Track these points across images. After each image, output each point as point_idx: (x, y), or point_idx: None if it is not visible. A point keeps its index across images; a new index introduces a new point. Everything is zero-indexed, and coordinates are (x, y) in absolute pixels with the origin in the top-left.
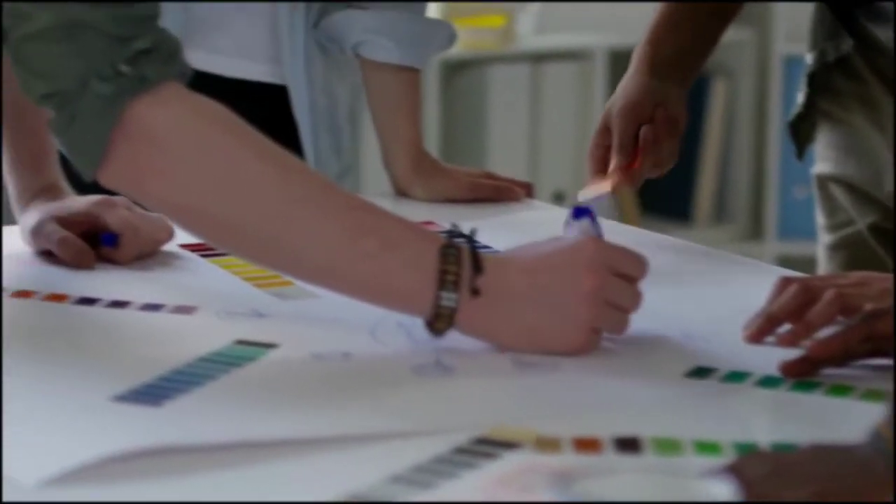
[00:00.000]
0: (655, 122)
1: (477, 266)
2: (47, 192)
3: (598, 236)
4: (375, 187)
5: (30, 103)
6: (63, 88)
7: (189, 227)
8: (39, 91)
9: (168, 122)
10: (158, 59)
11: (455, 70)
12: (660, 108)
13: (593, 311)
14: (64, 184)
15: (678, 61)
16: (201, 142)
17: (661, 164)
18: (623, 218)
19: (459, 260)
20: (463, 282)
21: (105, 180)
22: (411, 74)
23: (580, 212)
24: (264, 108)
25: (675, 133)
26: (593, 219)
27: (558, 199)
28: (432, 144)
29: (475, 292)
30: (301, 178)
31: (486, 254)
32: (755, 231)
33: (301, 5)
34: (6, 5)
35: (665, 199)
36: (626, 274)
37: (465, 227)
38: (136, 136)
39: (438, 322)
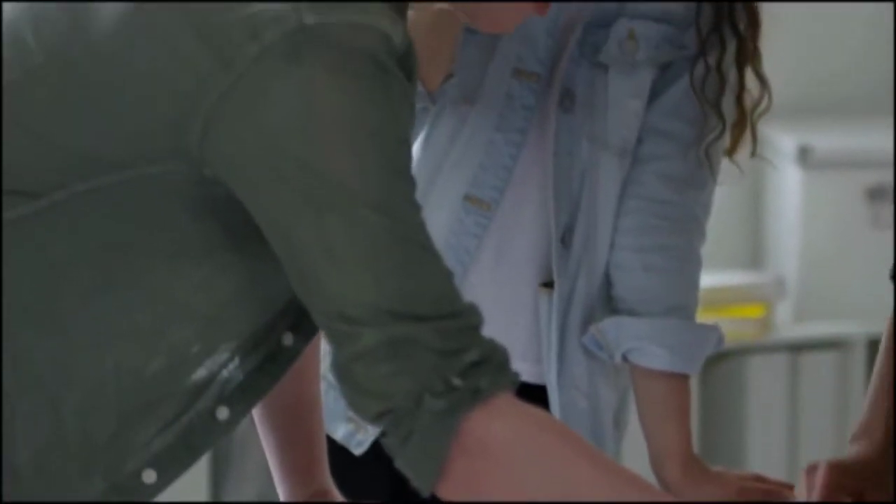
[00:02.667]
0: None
1: None
2: (318, 497)
3: None
4: None
5: (304, 410)
6: (396, 406)
7: None
8: (373, 410)
9: (505, 434)
10: (490, 371)
11: (714, 361)
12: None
13: None
14: (333, 489)
15: None
16: (538, 452)
17: None
18: None
19: None
20: None
21: (442, 493)
22: (682, 380)
23: None
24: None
25: None
26: None
27: None
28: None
29: None
30: (630, 481)
31: None
32: None
33: (563, 308)
34: (330, 327)
35: None
36: None
37: None
38: (473, 450)
39: None
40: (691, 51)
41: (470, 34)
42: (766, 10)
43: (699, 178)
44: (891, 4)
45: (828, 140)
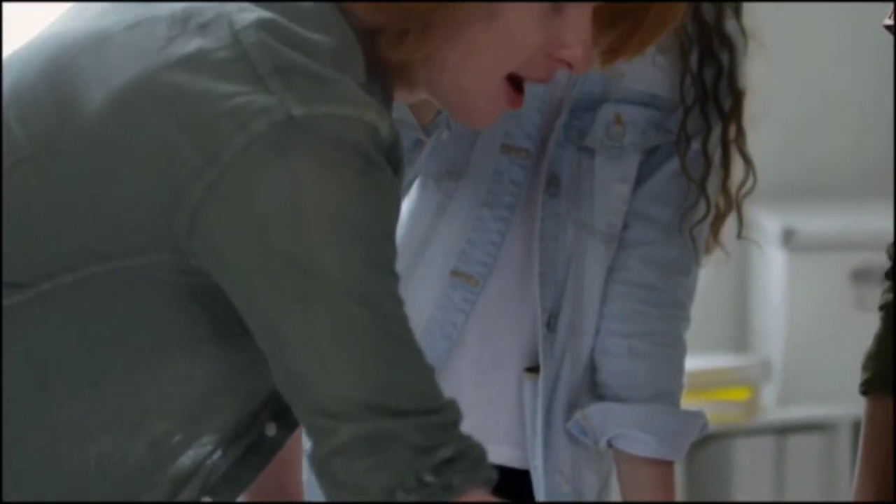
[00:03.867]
0: None
1: None
2: None
3: None
4: None
5: (287, 496)
6: (369, 502)
7: None
8: None
9: None
10: (464, 468)
11: (700, 444)
12: None
13: None
14: None
15: None
16: None
17: None
18: None
19: None
20: None
21: None
22: (667, 466)
23: None
24: (508, 492)
25: None
26: None
27: None
28: None
29: None
30: None
31: None
32: None
33: (548, 393)
34: (310, 422)
35: None
36: None
37: None
38: None
39: None
40: (676, 135)
41: None
42: (749, 93)
43: (685, 263)
44: (874, 87)
45: (812, 222)
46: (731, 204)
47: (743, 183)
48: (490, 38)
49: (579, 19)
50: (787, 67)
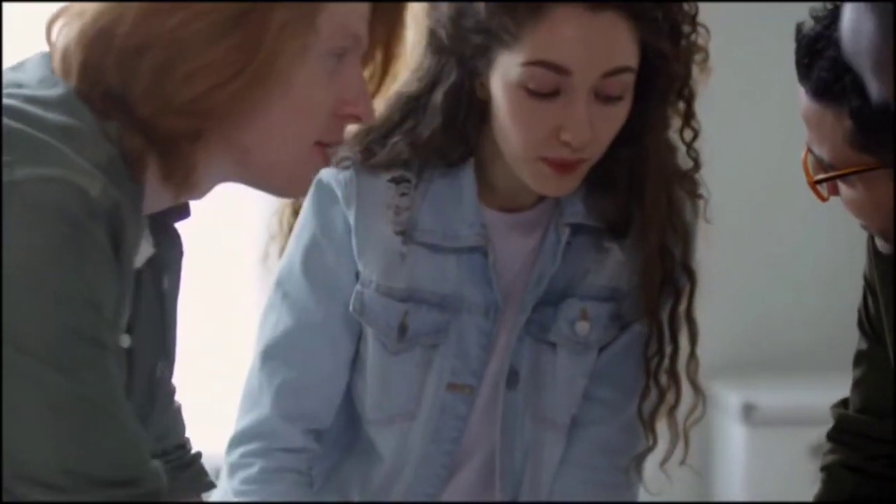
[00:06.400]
0: None
1: None
2: None
3: None
4: None
5: None
6: None
7: None
8: None
9: None
10: None
11: None
12: None
13: None
14: None
15: None
16: None
17: None
18: None
19: None
20: None
21: None
22: None
23: None
24: None
25: None
26: None
27: None
28: None
29: None
30: None
31: None
32: None
33: None
34: (12, 488)
35: None
36: None
37: None
38: None
39: None
40: (626, 320)
41: (405, 355)
42: (704, 271)
43: (629, 444)
44: (832, 264)
45: (772, 398)
46: (679, 388)
47: (692, 410)
48: (288, 111)
49: (354, 72)
50: (746, 245)
